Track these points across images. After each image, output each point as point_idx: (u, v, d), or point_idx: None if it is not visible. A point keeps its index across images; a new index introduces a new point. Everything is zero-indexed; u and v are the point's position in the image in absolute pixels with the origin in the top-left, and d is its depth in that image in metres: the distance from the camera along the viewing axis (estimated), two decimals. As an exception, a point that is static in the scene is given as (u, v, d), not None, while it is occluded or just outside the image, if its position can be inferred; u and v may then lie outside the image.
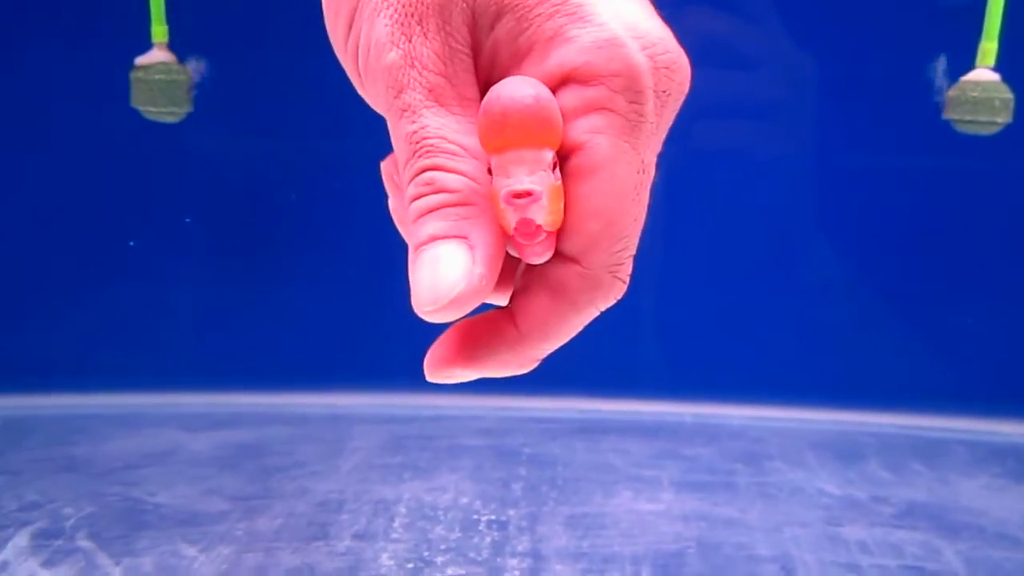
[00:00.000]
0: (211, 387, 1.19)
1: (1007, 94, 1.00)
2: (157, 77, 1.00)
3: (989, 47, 0.99)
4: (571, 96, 0.34)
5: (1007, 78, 1.01)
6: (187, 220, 1.12)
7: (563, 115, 0.35)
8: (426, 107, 0.36)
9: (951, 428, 1.17)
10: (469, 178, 0.36)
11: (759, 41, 1.13)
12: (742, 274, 1.20)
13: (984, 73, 1.01)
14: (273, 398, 1.19)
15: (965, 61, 1.04)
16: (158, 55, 1.01)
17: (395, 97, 0.36)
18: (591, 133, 0.34)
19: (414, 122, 0.36)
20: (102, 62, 1.08)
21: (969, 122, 1.00)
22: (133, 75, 1.01)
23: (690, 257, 1.20)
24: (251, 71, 1.14)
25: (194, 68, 1.01)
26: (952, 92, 1.02)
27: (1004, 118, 1.00)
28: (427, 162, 0.38)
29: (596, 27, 0.33)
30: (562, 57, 0.34)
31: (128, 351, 1.20)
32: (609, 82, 0.33)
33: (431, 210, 0.36)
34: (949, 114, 1.02)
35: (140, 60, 1.01)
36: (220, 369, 1.20)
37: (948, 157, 1.15)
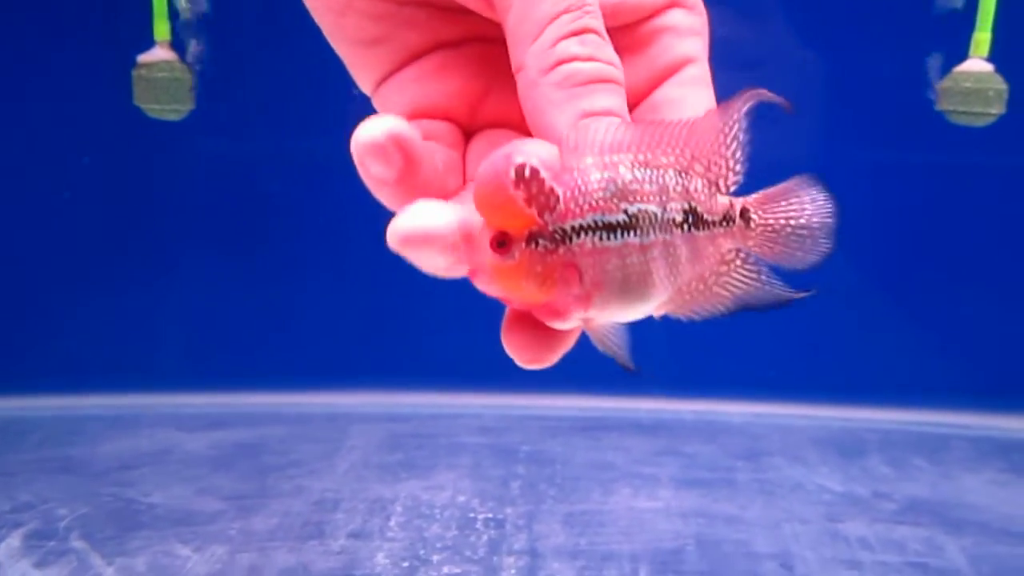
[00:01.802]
0: (208, 387, 1.18)
1: (1001, 84, 0.99)
2: (160, 75, 1.00)
3: (982, 37, 0.98)
4: (680, 16, 0.42)
5: (1000, 69, 1.00)
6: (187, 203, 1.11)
7: (674, 30, 0.44)
8: None
9: (953, 424, 1.16)
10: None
11: (758, 43, 1.12)
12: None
13: (977, 63, 1.00)
14: (270, 397, 1.18)
15: (959, 55, 1.03)
16: (160, 53, 1.01)
17: None
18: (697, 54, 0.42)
19: None
20: (104, 60, 1.07)
21: (963, 113, 0.99)
22: (136, 73, 1.01)
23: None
24: (253, 70, 1.14)
25: (194, 57, 1.01)
26: (945, 83, 1.00)
27: (998, 109, 0.99)
28: (592, 23, 0.40)
29: None
30: None
31: (125, 352, 1.19)
32: (702, 15, 0.43)
33: (603, 80, 0.39)
34: (943, 105, 1.01)
35: (142, 58, 1.01)
36: (217, 369, 1.19)
37: (952, 154, 1.14)
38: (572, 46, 0.41)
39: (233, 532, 0.82)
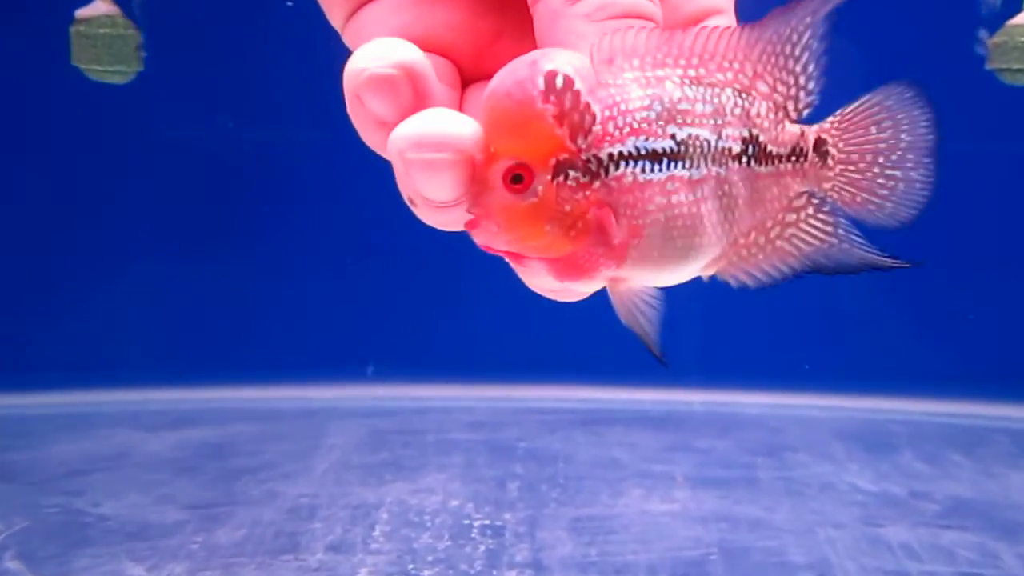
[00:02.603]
0: (172, 382, 1.09)
1: (1059, 40, 0.91)
2: (101, 31, 0.91)
3: (1038, -14, 0.90)
4: None
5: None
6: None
7: None
8: None
9: (989, 415, 1.09)
10: None
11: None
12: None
13: (1032, 17, 0.92)
14: (241, 392, 1.10)
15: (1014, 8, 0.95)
16: (101, 7, 0.92)
17: None
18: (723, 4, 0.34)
19: None
20: (38, 16, 0.99)
21: (1019, 71, 0.90)
22: (73, 29, 0.92)
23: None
24: (211, 27, 1.05)
25: (141, 11, 0.92)
26: (997, 39, 0.92)
27: (1054, 68, 0.91)
28: None
29: None
30: None
31: (80, 346, 1.10)
32: None
33: (639, 15, 0.33)
34: (994, 63, 0.92)
35: (81, 12, 0.92)
36: (182, 363, 1.12)
37: (983, 141, 1.07)
38: None
39: (195, 547, 0.74)
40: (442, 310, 1.02)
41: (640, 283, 0.34)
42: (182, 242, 1.13)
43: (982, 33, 0.95)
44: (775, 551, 0.74)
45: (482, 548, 0.73)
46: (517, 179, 0.31)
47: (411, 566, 0.71)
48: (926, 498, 0.85)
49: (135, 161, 1.11)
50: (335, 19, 0.49)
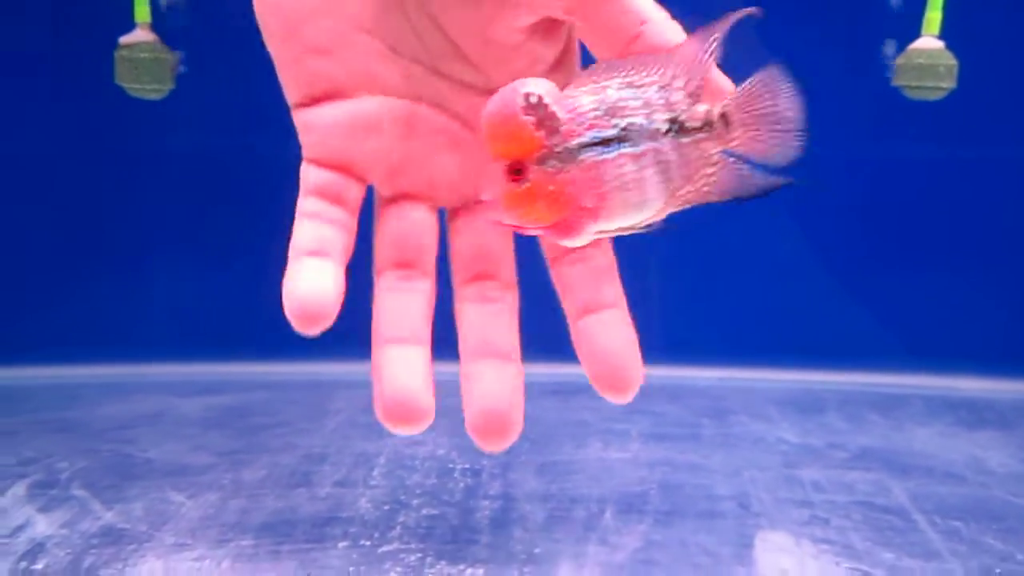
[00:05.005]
0: (199, 357, 1.23)
1: (951, 60, 1.06)
2: (142, 55, 1.05)
3: (933, 16, 1.05)
4: None
5: (950, 46, 1.07)
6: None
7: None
8: None
9: (909, 384, 1.22)
10: None
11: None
12: (709, 243, 1.24)
13: (929, 41, 1.07)
14: (259, 367, 1.23)
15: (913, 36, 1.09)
16: (141, 35, 1.05)
17: None
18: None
19: None
20: (86, 43, 1.12)
21: (916, 87, 1.05)
22: (118, 54, 1.05)
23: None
24: (236, 51, 1.18)
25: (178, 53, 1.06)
26: (900, 60, 1.07)
27: (948, 83, 1.06)
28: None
29: None
30: None
31: (115, 325, 1.24)
32: None
33: None
34: (898, 81, 1.07)
35: (124, 39, 1.06)
36: (208, 341, 1.24)
37: (905, 125, 1.20)
38: None
39: (225, 482, 0.86)
40: (438, 296, 1.14)
41: (614, 230, 0.52)
42: (209, 240, 1.24)
43: (888, 48, 1.09)
44: (705, 487, 0.85)
45: (462, 485, 0.85)
46: (516, 172, 0.48)
47: (402, 496, 0.82)
48: (840, 448, 0.97)
49: (158, 158, 1.22)
50: (290, 98, 0.67)
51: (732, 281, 1.26)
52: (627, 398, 0.62)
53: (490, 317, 0.64)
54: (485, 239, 0.63)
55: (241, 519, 0.78)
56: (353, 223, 0.64)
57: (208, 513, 0.80)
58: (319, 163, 0.64)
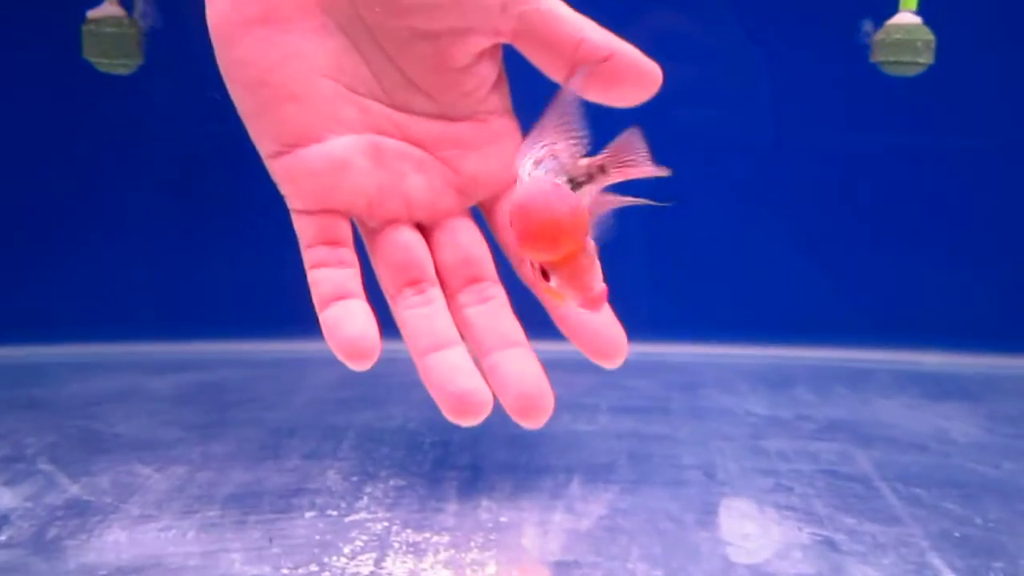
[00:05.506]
0: (169, 336, 1.23)
1: (928, 36, 1.06)
2: (108, 30, 1.04)
3: (911, -9, 1.05)
4: None
5: (927, 21, 1.07)
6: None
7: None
8: None
9: (876, 359, 1.24)
10: None
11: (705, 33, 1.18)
12: (682, 222, 1.25)
13: (907, 16, 1.07)
14: (229, 345, 1.23)
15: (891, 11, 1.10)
16: (109, 8, 1.05)
17: None
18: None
19: None
20: (54, 17, 1.11)
21: (894, 63, 1.06)
22: (85, 28, 1.05)
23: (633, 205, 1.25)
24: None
25: (142, 13, 1.05)
26: (878, 36, 1.07)
27: (926, 59, 1.06)
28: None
29: None
30: None
31: (84, 304, 1.23)
32: None
33: None
34: (876, 57, 1.07)
35: (92, 13, 1.05)
36: (178, 320, 1.24)
37: (878, 107, 1.21)
38: None
39: (193, 456, 0.86)
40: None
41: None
42: (179, 217, 1.23)
43: (867, 26, 1.09)
44: (673, 457, 0.87)
45: (431, 456, 0.85)
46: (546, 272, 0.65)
47: (371, 468, 0.82)
48: (807, 419, 0.98)
49: (131, 134, 1.20)
50: (262, 150, 0.74)
51: (705, 261, 1.27)
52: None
53: (495, 313, 0.73)
54: (466, 248, 0.73)
55: (208, 491, 0.78)
56: (354, 255, 0.72)
57: (175, 485, 0.80)
58: (308, 212, 0.72)
